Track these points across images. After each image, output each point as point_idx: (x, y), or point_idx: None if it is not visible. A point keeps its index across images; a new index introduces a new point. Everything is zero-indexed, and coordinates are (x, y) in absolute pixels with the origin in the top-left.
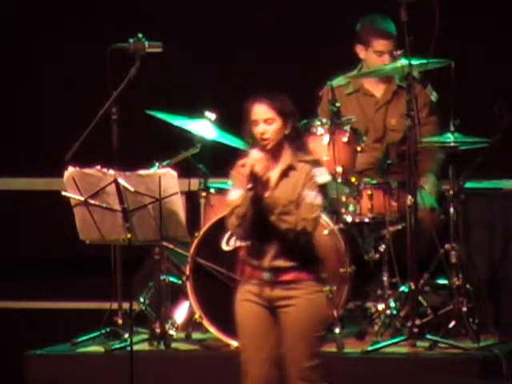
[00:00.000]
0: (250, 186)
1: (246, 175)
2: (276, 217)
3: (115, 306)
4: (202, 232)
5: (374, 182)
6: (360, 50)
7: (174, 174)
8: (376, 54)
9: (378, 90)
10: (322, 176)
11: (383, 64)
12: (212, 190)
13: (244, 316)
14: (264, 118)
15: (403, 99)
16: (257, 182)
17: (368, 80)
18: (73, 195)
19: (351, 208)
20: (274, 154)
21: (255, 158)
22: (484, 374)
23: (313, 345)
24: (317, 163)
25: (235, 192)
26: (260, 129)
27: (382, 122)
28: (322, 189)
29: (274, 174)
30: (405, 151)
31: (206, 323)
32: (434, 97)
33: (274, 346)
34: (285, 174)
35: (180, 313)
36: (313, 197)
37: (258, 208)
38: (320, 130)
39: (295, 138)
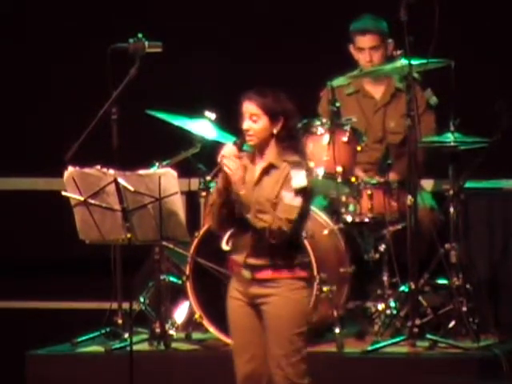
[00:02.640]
0: (219, 171)
1: (218, 162)
2: (252, 214)
3: (115, 306)
4: (201, 232)
5: (374, 181)
6: (351, 50)
7: (174, 173)
8: (359, 52)
9: (377, 91)
10: (299, 179)
11: (366, 61)
12: (212, 190)
13: (231, 313)
14: (249, 114)
15: (401, 101)
16: (224, 168)
17: (368, 81)
18: (73, 195)
19: (351, 208)
20: (260, 151)
21: (227, 150)
22: (484, 374)
23: (292, 342)
24: (298, 165)
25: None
26: (245, 125)
27: (381, 124)
28: (301, 192)
29: (256, 171)
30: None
31: (206, 323)
32: (433, 101)
33: (260, 343)
34: (266, 172)
35: (180, 313)
36: (290, 198)
37: (228, 201)
38: (320, 130)
39: (286, 137)
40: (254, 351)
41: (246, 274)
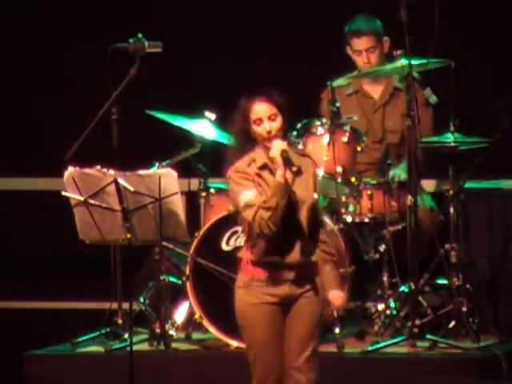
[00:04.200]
0: (281, 172)
1: (278, 164)
2: (301, 212)
3: (115, 306)
4: (201, 232)
5: (374, 182)
6: (348, 52)
7: (174, 174)
8: (356, 54)
9: (376, 91)
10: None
11: (364, 63)
12: (212, 190)
13: (264, 319)
14: (268, 115)
15: (400, 101)
16: (287, 168)
17: (367, 81)
18: (73, 195)
19: (351, 208)
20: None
21: (281, 145)
22: (484, 374)
23: (316, 337)
24: (310, 157)
25: (249, 192)
26: (266, 126)
27: (381, 123)
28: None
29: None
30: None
31: (206, 323)
32: (432, 99)
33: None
34: (298, 173)
35: (180, 313)
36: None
37: (288, 199)
38: (320, 130)
39: (286, 130)
40: (281, 354)
41: (289, 274)
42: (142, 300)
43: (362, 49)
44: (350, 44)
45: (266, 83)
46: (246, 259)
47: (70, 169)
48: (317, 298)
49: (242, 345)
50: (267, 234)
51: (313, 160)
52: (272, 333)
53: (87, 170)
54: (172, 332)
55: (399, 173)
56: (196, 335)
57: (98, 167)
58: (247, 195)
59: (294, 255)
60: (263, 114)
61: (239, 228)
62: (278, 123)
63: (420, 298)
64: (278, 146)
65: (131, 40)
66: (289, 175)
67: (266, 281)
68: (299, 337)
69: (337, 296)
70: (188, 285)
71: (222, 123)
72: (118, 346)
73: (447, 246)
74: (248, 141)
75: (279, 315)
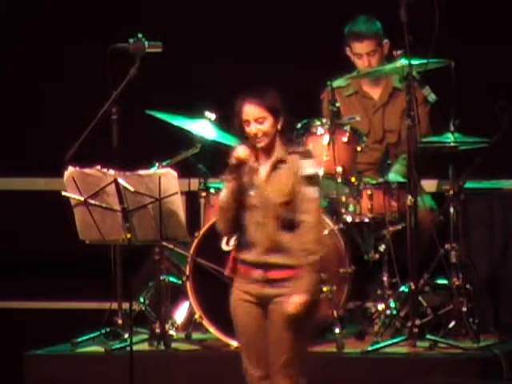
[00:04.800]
0: (233, 175)
1: (231, 165)
2: (271, 211)
3: (115, 306)
4: (201, 232)
5: (374, 182)
6: (348, 53)
7: (174, 174)
8: (356, 57)
9: (375, 92)
10: (308, 168)
11: (364, 66)
12: (212, 190)
13: (240, 316)
14: (255, 117)
15: (399, 101)
16: (240, 171)
17: (366, 82)
18: (73, 195)
19: (351, 208)
20: (267, 150)
21: (241, 152)
22: (484, 374)
23: (296, 342)
24: (306, 155)
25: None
26: (252, 129)
27: (381, 124)
28: (311, 180)
29: (262, 170)
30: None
31: (206, 323)
32: (431, 98)
33: (266, 345)
34: (275, 167)
35: (180, 313)
36: (311, 192)
37: (242, 200)
38: (320, 130)
39: (287, 131)
40: (263, 353)
41: (261, 274)
42: (141, 300)
43: (362, 52)
44: (351, 46)
45: (265, 83)
46: (232, 254)
47: (70, 169)
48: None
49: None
50: (223, 233)
51: (306, 157)
52: (249, 332)
53: (87, 170)
54: (172, 332)
55: (394, 176)
56: (196, 335)
57: (98, 167)
58: (222, 194)
59: (262, 255)
60: (250, 116)
61: None
62: (265, 126)
63: (420, 298)
64: (237, 153)
65: (131, 40)
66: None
67: (243, 278)
68: (273, 341)
69: (291, 302)
70: (188, 285)
71: (221, 123)
72: (118, 345)
73: (447, 246)
74: (244, 139)
75: (258, 314)
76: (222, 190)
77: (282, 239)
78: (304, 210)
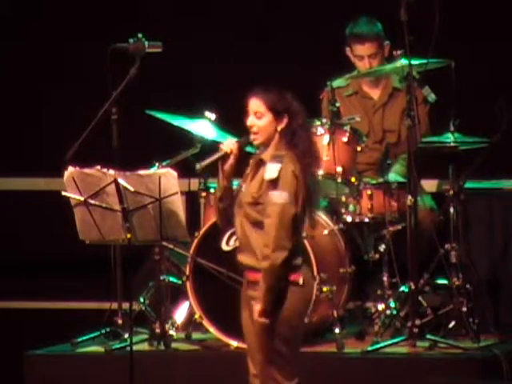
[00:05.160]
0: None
1: (218, 157)
2: (243, 211)
3: (115, 306)
4: (201, 232)
5: (374, 182)
6: (349, 54)
7: (174, 174)
8: (357, 59)
9: (375, 92)
10: (270, 172)
11: (365, 68)
12: (212, 190)
13: (243, 318)
14: (254, 110)
15: (399, 101)
16: (225, 163)
17: (366, 82)
18: (73, 195)
19: (351, 208)
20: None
21: (228, 144)
22: (484, 374)
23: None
24: (277, 158)
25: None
26: (249, 121)
27: (381, 124)
28: (275, 184)
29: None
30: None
31: (206, 323)
32: (431, 98)
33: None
34: (257, 168)
35: (180, 313)
36: (276, 196)
37: (226, 195)
38: (320, 130)
39: (289, 135)
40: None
41: (243, 274)
42: (141, 300)
43: (364, 55)
44: (352, 47)
45: (266, 84)
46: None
47: (70, 169)
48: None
49: (241, 345)
50: (220, 227)
51: (271, 159)
52: (245, 332)
53: (87, 170)
54: (172, 332)
55: (394, 176)
56: (196, 335)
57: (98, 167)
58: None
59: (240, 255)
60: (250, 108)
61: None
62: (262, 122)
63: (420, 298)
64: (223, 144)
65: (131, 40)
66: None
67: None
68: (248, 345)
69: (254, 309)
70: (188, 285)
71: (222, 123)
72: (118, 345)
73: (447, 246)
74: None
75: (247, 315)
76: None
77: (251, 240)
78: (266, 213)
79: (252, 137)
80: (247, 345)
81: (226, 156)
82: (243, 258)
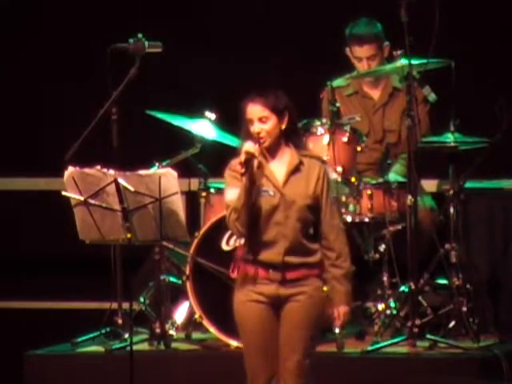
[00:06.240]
0: (243, 171)
1: (241, 162)
2: (294, 212)
3: (115, 306)
4: (201, 232)
5: (374, 181)
6: (348, 54)
7: (174, 173)
8: (356, 60)
9: (375, 92)
10: (331, 173)
11: (364, 69)
12: (212, 190)
13: (251, 318)
14: (258, 116)
15: (399, 100)
16: (250, 166)
17: (366, 82)
18: (73, 195)
19: (351, 208)
20: (272, 150)
21: (249, 148)
22: (484, 374)
23: (307, 341)
24: (323, 159)
25: (232, 191)
26: (256, 128)
27: (381, 124)
28: (332, 185)
29: (280, 171)
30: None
31: (206, 323)
32: (431, 97)
33: (277, 345)
34: (295, 169)
35: (180, 313)
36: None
37: (254, 198)
38: (320, 130)
39: (293, 132)
40: (271, 354)
41: (275, 275)
42: (142, 300)
43: (363, 56)
44: (351, 48)
45: (266, 84)
46: (238, 256)
47: (70, 169)
48: (310, 301)
49: (241, 345)
50: (240, 235)
51: (323, 162)
52: (258, 333)
53: (87, 170)
54: (172, 332)
55: (394, 176)
56: (196, 335)
57: (98, 167)
58: (229, 195)
59: (278, 256)
60: (253, 115)
61: None
62: (268, 125)
63: (420, 298)
64: (245, 147)
65: (131, 40)
66: (284, 171)
67: (254, 279)
68: (287, 340)
69: (340, 313)
70: (188, 285)
71: (222, 123)
72: (117, 345)
73: (447, 246)
74: (249, 138)
75: (269, 315)
76: (228, 191)
77: (302, 240)
78: (330, 214)
79: (260, 141)
80: (261, 348)
81: (250, 160)
82: (292, 259)
